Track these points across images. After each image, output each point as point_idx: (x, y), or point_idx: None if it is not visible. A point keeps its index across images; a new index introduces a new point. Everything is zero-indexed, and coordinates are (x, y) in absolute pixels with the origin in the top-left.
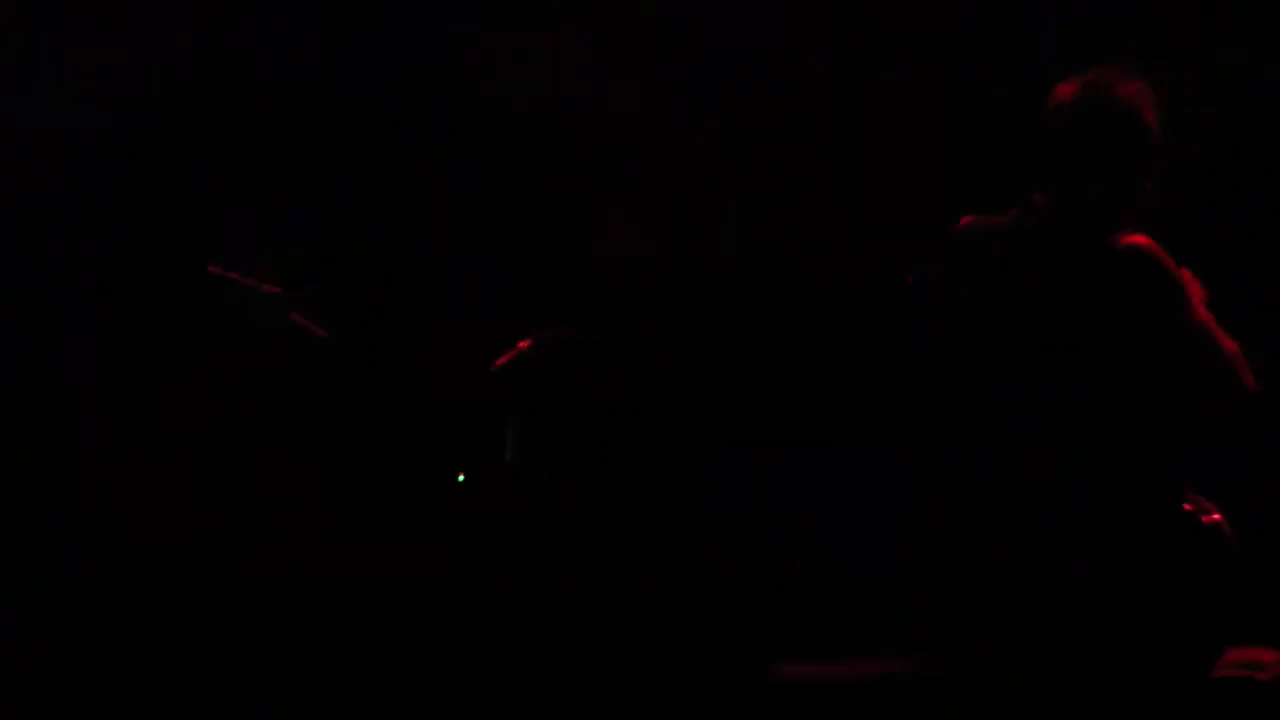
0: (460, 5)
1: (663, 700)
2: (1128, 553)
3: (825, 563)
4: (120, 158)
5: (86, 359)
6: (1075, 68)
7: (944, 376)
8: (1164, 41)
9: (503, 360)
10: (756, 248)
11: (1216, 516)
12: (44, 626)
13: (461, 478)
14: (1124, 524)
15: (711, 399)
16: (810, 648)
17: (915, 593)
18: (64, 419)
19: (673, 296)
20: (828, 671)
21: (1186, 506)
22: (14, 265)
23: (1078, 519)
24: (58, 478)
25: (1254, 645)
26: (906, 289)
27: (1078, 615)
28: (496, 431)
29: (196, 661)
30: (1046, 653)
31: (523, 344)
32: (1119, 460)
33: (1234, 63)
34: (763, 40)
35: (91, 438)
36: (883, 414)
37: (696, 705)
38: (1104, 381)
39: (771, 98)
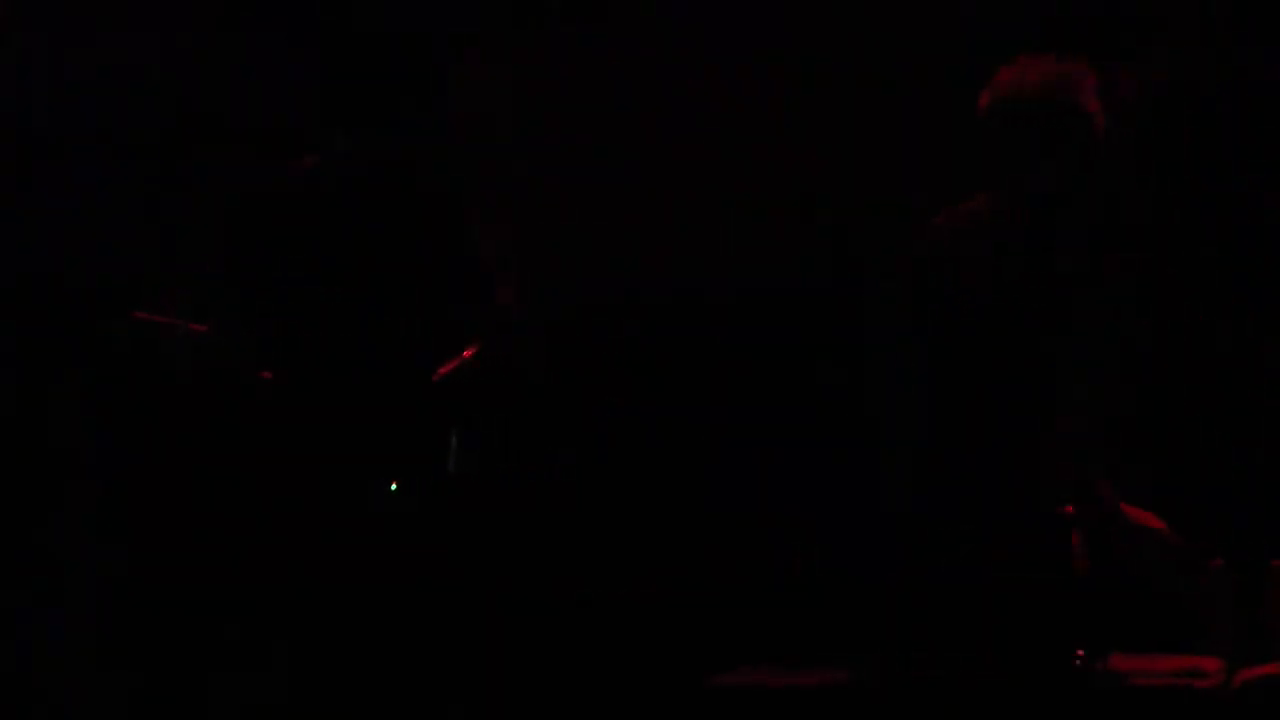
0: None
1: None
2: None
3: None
4: (120, 158)
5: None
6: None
7: (908, 367)
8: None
9: (446, 369)
10: (716, 252)
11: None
12: None
13: (394, 487)
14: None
15: (659, 403)
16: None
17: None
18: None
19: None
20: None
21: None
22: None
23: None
24: None
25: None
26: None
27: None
28: (440, 441)
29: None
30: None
31: (466, 353)
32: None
33: (1234, 63)
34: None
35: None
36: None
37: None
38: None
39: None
